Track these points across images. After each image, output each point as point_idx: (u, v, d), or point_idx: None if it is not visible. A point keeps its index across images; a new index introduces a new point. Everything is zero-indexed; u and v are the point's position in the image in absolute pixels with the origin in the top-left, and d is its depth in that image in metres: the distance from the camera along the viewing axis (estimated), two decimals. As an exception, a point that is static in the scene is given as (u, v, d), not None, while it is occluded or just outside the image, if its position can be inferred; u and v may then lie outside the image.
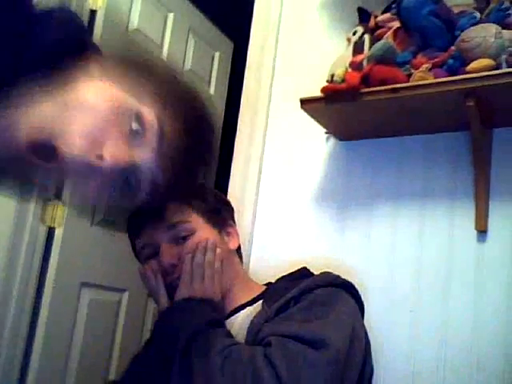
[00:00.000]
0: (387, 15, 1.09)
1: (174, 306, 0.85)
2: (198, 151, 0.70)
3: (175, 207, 0.94)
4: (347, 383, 0.73)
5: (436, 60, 0.97)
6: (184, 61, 2.07)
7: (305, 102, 1.10)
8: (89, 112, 0.57)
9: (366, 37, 1.08)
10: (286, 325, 0.76)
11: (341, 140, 1.25)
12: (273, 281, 0.98)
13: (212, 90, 2.24)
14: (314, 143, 1.28)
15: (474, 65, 0.91)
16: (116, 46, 1.71)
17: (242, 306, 0.91)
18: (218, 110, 2.27)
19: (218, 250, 0.91)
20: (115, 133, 0.58)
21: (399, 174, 1.16)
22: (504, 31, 0.91)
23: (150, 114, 0.60)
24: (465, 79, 0.91)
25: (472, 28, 0.93)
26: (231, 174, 1.42)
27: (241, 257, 1.03)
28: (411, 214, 1.12)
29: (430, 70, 0.96)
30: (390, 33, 1.05)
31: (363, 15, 1.14)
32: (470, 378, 0.98)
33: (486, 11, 0.97)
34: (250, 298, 0.92)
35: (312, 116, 1.15)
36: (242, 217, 1.31)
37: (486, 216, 1.02)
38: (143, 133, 0.60)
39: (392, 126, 1.14)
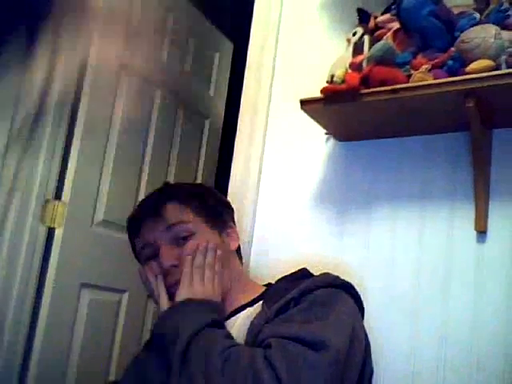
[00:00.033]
0: (387, 16, 1.09)
1: (174, 307, 0.85)
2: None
3: (175, 208, 0.94)
4: (347, 384, 0.74)
5: (436, 61, 0.97)
6: (184, 61, 2.08)
7: (305, 103, 1.10)
8: None
9: (366, 37, 1.08)
10: (286, 326, 0.76)
11: (340, 141, 1.25)
12: (272, 281, 0.98)
13: (212, 91, 2.25)
14: (314, 143, 1.28)
15: (473, 65, 0.91)
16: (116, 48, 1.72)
17: (242, 307, 0.91)
18: (218, 110, 2.28)
19: (219, 252, 0.91)
20: None
21: (399, 174, 1.16)
22: (503, 32, 0.91)
23: None
24: (464, 80, 0.91)
25: (472, 29, 0.93)
26: (231, 174, 1.42)
27: (241, 257, 1.03)
28: (411, 215, 1.12)
29: (429, 70, 0.96)
30: (389, 34, 1.05)
31: (363, 16, 1.14)
32: (469, 378, 0.98)
33: (486, 12, 0.97)
34: (249, 299, 0.92)
35: (312, 117, 1.15)
36: (242, 217, 1.31)
37: (486, 216, 1.02)
38: None
39: (392, 126, 1.14)
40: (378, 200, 1.17)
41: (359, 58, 1.05)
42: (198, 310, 0.83)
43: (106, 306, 1.71)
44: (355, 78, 1.00)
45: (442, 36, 0.98)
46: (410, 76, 0.98)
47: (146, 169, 1.88)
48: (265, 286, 1.00)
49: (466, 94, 0.92)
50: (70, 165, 1.59)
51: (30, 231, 1.50)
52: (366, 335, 0.84)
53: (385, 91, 0.98)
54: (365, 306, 0.91)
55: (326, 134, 1.25)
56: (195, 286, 0.87)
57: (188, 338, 0.77)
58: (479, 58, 0.90)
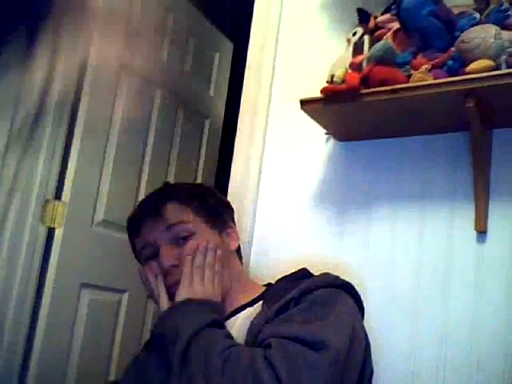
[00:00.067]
0: (387, 16, 1.09)
1: (174, 307, 0.85)
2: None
3: (175, 208, 0.94)
4: (347, 384, 0.74)
5: (436, 61, 0.97)
6: (184, 61, 2.08)
7: (305, 103, 1.10)
8: None
9: (366, 37, 1.08)
10: (286, 326, 0.76)
11: (340, 141, 1.25)
12: (272, 281, 0.98)
13: (212, 91, 2.25)
14: (314, 143, 1.28)
15: (473, 65, 0.91)
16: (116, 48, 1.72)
17: (242, 307, 0.91)
18: (218, 111, 2.28)
19: (219, 252, 0.91)
20: None
21: (399, 174, 1.16)
22: (503, 32, 0.91)
23: None
24: (464, 80, 0.91)
25: (472, 29, 0.93)
26: (231, 174, 1.42)
27: (241, 257, 1.03)
28: (411, 215, 1.12)
29: (429, 70, 0.96)
30: (389, 34, 1.05)
31: (363, 16, 1.14)
32: (469, 378, 0.98)
33: (486, 12, 0.97)
34: (249, 299, 0.92)
35: (312, 117, 1.15)
36: (242, 217, 1.31)
37: (486, 216, 1.02)
38: None
39: (392, 126, 1.14)
40: (378, 200, 1.17)
41: (359, 57, 1.05)
42: (198, 310, 0.83)
43: (105, 306, 1.71)
44: (355, 78, 1.00)
45: (442, 36, 0.98)
46: (409, 76, 0.98)
47: (146, 169, 1.88)
48: (265, 286, 1.00)
49: (466, 94, 0.92)
50: (69, 165, 1.59)
51: (30, 231, 1.50)
52: (366, 335, 0.84)
53: (385, 91, 0.98)
54: (365, 305, 0.91)
55: (326, 134, 1.25)
56: (195, 286, 0.87)
57: (188, 338, 0.77)
58: (479, 58, 0.90)
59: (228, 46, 2.33)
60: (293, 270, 0.98)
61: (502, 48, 0.89)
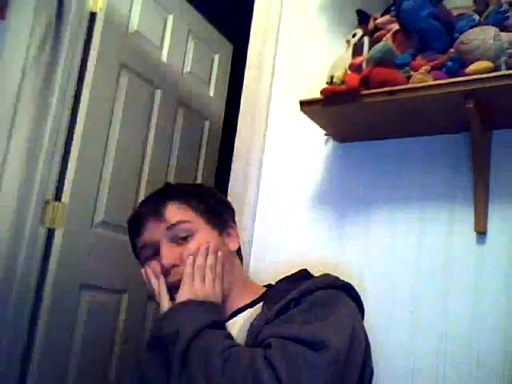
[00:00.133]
0: (386, 17, 1.09)
1: (175, 307, 0.85)
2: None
3: (175, 208, 0.94)
4: (347, 384, 0.74)
5: (435, 62, 0.97)
6: (184, 63, 2.08)
7: (304, 104, 1.10)
8: None
9: (366, 39, 1.09)
10: (286, 327, 0.77)
11: (340, 142, 1.25)
12: (273, 282, 0.98)
13: (212, 91, 2.25)
14: (314, 144, 1.29)
15: (473, 67, 0.91)
16: (116, 48, 1.74)
17: (243, 308, 0.91)
18: (218, 111, 2.28)
19: (219, 253, 0.92)
20: None
21: (398, 175, 1.16)
22: (502, 33, 0.91)
23: None
24: (464, 81, 0.91)
25: (471, 30, 0.93)
26: (231, 174, 1.42)
27: (241, 258, 1.03)
28: (411, 214, 1.12)
29: (429, 71, 0.96)
30: (389, 35, 1.05)
31: (362, 17, 1.15)
32: (469, 375, 0.98)
33: (485, 14, 0.98)
34: (250, 300, 0.93)
35: (311, 118, 1.15)
36: (242, 217, 1.31)
37: (486, 217, 1.03)
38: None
39: (391, 127, 1.14)
40: (378, 201, 1.17)
41: (359, 59, 1.05)
42: (199, 311, 0.83)
43: (105, 307, 1.71)
44: (355, 79, 1.01)
45: (442, 37, 0.99)
46: (409, 77, 0.98)
47: (146, 169, 1.88)
48: (265, 286, 1.00)
49: (466, 95, 0.92)
50: (70, 165, 1.59)
51: (29, 232, 1.50)
52: (366, 336, 0.85)
53: (384, 92, 0.99)
54: (365, 306, 0.91)
55: (326, 135, 1.25)
56: (196, 287, 0.87)
57: (188, 338, 0.77)
58: (478, 60, 0.91)
59: (228, 47, 2.33)
60: (292, 271, 0.98)
61: (501, 49, 0.90)
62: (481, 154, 1.02)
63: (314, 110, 1.11)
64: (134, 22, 1.82)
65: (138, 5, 1.83)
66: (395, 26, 1.05)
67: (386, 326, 1.08)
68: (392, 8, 1.08)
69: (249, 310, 0.90)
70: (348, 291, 0.87)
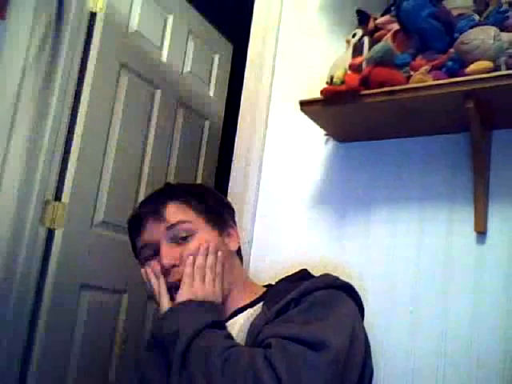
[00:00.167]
0: (386, 17, 1.09)
1: (175, 307, 0.85)
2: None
3: (176, 207, 0.94)
4: (347, 384, 0.74)
5: (435, 62, 0.97)
6: (184, 63, 2.08)
7: (304, 104, 1.10)
8: None
9: (366, 39, 1.09)
10: (286, 327, 0.77)
11: (340, 142, 1.25)
12: (273, 282, 0.98)
13: (212, 92, 2.25)
14: (314, 144, 1.29)
15: (473, 67, 0.91)
16: (116, 48, 1.74)
17: (243, 308, 0.91)
18: (218, 111, 2.28)
19: (219, 253, 0.92)
20: None
21: (398, 175, 1.16)
22: (502, 33, 0.91)
23: None
24: (464, 81, 0.91)
25: (471, 30, 0.93)
26: (231, 174, 1.42)
27: (241, 258, 1.03)
28: (411, 214, 1.12)
29: (429, 71, 0.96)
30: (389, 35, 1.05)
31: (362, 17, 1.15)
32: (469, 375, 0.98)
33: (485, 14, 0.97)
34: (250, 300, 0.93)
35: (311, 118, 1.15)
36: (242, 217, 1.31)
37: (485, 217, 1.03)
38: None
39: (391, 127, 1.14)
40: (378, 201, 1.17)
41: (359, 59, 1.05)
42: (199, 311, 0.84)
43: (105, 307, 1.71)
44: (355, 79, 1.01)
45: (442, 37, 0.99)
46: (409, 77, 0.98)
47: (146, 169, 1.88)
48: (265, 286, 1.00)
49: (466, 95, 0.92)
50: (69, 165, 1.59)
51: (29, 232, 1.50)
52: (366, 336, 0.85)
53: (384, 92, 0.99)
54: (365, 306, 0.91)
55: (326, 135, 1.25)
56: (196, 287, 0.87)
57: (188, 338, 0.78)
58: (478, 60, 0.91)
59: (228, 47, 2.33)
60: (292, 271, 0.98)
61: (501, 49, 0.90)
62: (481, 154, 1.02)
63: (314, 110, 1.11)
64: (134, 22, 1.82)
65: (138, 5, 1.83)
66: (395, 26, 1.05)
67: (385, 326, 1.08)
68: (392, 8, 1.07)
69: (249, 309, 0.90)
70: (348, 291, 0.87)
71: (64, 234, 1.56)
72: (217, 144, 2.28)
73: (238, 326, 0.87)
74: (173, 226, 0.92)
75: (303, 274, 0.95)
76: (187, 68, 2.10)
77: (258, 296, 0.94)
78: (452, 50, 0.96)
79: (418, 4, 0.97)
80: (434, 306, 1.05)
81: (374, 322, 1.01)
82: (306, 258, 1.18)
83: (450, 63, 0.94)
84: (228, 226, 0.99)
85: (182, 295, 0.86)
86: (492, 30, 0.91)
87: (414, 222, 1.11)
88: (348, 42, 1.13)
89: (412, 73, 0.99)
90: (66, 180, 1.59)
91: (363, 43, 1.09)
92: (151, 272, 0.92)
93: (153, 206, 0.95)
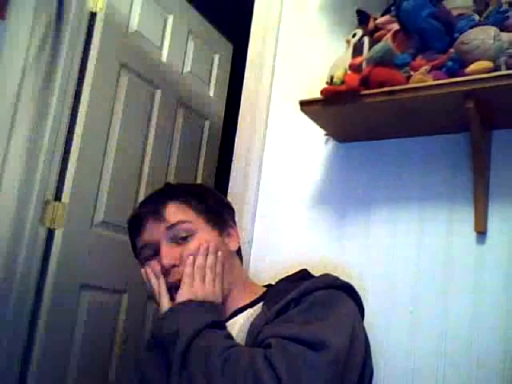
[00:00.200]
0: (386, 17, 1.09)
1: (175, 307, 0.85)
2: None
3: (176, 207, 0.94)
4: (347, 384, 0.74)
5: (435, 62, 0.97)
6: (184, 63, 2.08)
7: (304, 104, 1.10)
8: None
9: (366, 39, 1.09)
10: (286, 327, 0.77)
11: (340, 142, 1.25)
12: (273, 282, 0.98)
13: (212, 92, 2.25)
14: (314, 144, 1.29)
15: (473, 67, 0.91)
16: (116, 48, 1.74)
17: (243, 308, 0.92)
18: (218, 111, 2.28)
19: (219, 253, 0.92)
20: None
21: (398, 175, 1.16)
22: (502, 33, 0.91)
23: None
24: (464, 81, 0.91)
25: (471, 30, 0.93)
26: (231, 174, 1.42)
27: (241, 258, 1.03)
28: (411, 214, 1.12)
29: (429, 71, 0.96)
30: (389, 35, 1.05)
31: (362, 17, 1.15)
32: (469, 375, 0.98)
33: (485, 14, 0.97)
34: (250, 300, 0.93)
35: (311, 118, 1.15)
36: (242, 217, 1.31)
37: (485, 217, 1.03)
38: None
39: (391, 127, 1.14)
40: (378, 201, 1.17)
41: (359, 59, 1.05)
42: (199, 311, 0.84)
43: (105, 307, 1.71)
44: (355, 79, 1.01)
45: (442, 37, 0.99)
46: (409, 77, 0.98)
47: (146, 169, 1.88)
48: (265, 286, 1.00)
49: (466, 95, 0.92)
50: (69, 165, 1.59)
51: (29, 232, 1.50)
52: (366, 336, 0.85)
53: (384, 92, 0.99)
54: (365, 306, 0.91)
55: (326, 135, 1.25)
56: (196, 287, 0.87)
57: (188, 338, 0.78)
58: (478, 60, 0.91)
59: (228, 47, 2.33)
60: (292, 271, 0.98)
61: (501, 49, 0.90)
62: (481, 154, 1.02)
63: (314, 110, 1.11)
64: (134, 22, 1.82)
65: (138, 5, 1.83)
66: (395, 26, 1.05)
67: (386, 326, 1.08)
68: (392, 8, 1.07)
69: (249, 309, 0.90)
70: (348, 291, 0.87)
71: (64, 234, 1.56)
72: (217, 144, 2.28)
73: (238, 326, 0.87)
74: (173, 226, 0.92)
75: (303, 274, 0.95)
76: (187, 68, 2.10)
77: (258, 296, 0.94)
78: (452, 50, 0.96)
79: (417, 4, 0.97)
80: (434, 306, 1.05)
81: (374, 322, 1.01)
82: (305, 258, 1.18)
83: (449, 63, 0.94)
84: (228, 226, 0.99)
85: (182, 295, 0.87)
86: (492, 30, 0.91)
87: (414, 221, 1.11)
88: (348, 41, 1.13)
89: (412, 73, 0.99)
90: (66, 180, 1.59)
91: (363, 43, 1.09)
92: (151, 272, 0.92)
93: (153, 205, 0.95)
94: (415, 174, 1.14)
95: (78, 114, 1.61)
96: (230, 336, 0.82)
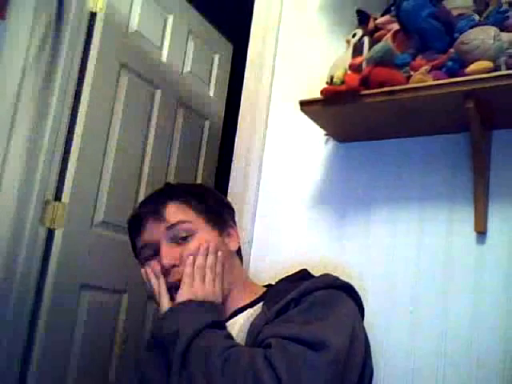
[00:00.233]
0: (386, 17, 1.09)
1: (175, 307, 0.85)
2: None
3: (176, 207, 0.94)
4: (347, 384, 0.74)
5: (435, 62, 0.97)
6: (184, 63, 2.08)
7: (304, 104, 1.10)
8: None
9: (366, 39, 1.09)
10: (286, 327, 0.77)
11: (340, 142, 1.25)
12: (273, 282, 0.98)
13: (212, 92, 2.25)
14: (314, 144, 1.29)
15: (473, 67, 0.91)
16: (116, 48, 1.74)
17: (243, 308, 0.92)
18: (218, 111, 2.28)
19: (219, 253, 0.92)
20: None
21: (398, 175, 1.16)
22: (502, 33, 0.91)
23: None
24: (464, 81, 0.91)
25: (471, 30, 0.93)
26: (231, 174, 1.42)
27: (241, 258, 1.03)
28: (411, 214, 1.12)
29: (429, 71, 0.96)
30: (389, 35, 1.05)
31: (362, 17, 1.15)
32: (469, 375, 0.98)
33: (485, 14, 0.97)
34: (250, 300, 0.93)
35: (311, 118, 1.15)
36: (242, 217, 1.31)
37: (485, 217, 1.03)
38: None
39: (391, 127, 1.14)
40: (378, 201, 1.17)
41: (359, 59, 1.05)
42: (199, 311, 0.84)
43: (105, 307, 1.71)
44: (355, 79, 1.01)
45: (442, 37, 0.99)
46: (409, 77, 0.98)
47: (146, 169, 1.88)
48: (265, 286, 1.00)
49: (466, 95, 0.92)
50: (69, 165, 1.59)
51: (29, 232, 1.50)
52: (366, 336, 0.85)
53: (384, 92, 0.99)
54: (365, 306, 0.91)
55: (326, 135, 1.25)
56: (196, 287, 0.87)
57: (188, 338, 0.78)
58: (478, 60, 0.91)
59: (228, 47, 2.34)
60: (292, 271, 0.98)
61: (501, 49, 0.90)
62: (481, 154, 1.02)
63: (314, 110, 1.11)
64: (134, 22, 1.82)
65: (138, 5, 1.83)
66: (395, 26, 1.05)
67: (385, 326, 1.08)
68: (392, 8, 1.07)
69: (249, 309, 0.90)
70: (348, 291, 0.87)
71: (64, 234, 1.56)
72: (217, 144, 2.28)
73: (238, 326, 0.87)
74: (173, 226, 0.92)
75: (303, 274, 0.95)
76: (187, 68, 2.10)
77: (258, 296, 0.94)
78: (452, 50, 0.96)
79: (417, 4, 0.97)
80: (434, 306, 1.05)
81: (374, 322, 1.01)
82: (305, 258, 1.18)
83: (449, 63, 0.94)
84: (228, 226, 0.99)
85: (182, 295, 0.87)
86: (492, 30, 0.91)
87: (414, 221, 1.11)
88: (348, 41, 1.13)
89: (412, 73, 0.99)
90: (66, 180, 1.59)
91: (363, 43, 1.09)
92: (151, 272, 0.92)
93: (153, 205, 0.96)
94: (415, 174, 1.14)
95: (78, 114, 1.61)
96: (230, 336, 0.82)
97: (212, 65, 2.25)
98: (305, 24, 1.40)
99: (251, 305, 0.91)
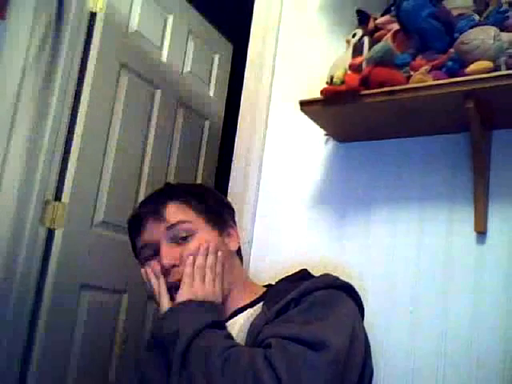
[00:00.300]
0: (386, 17, 1.09)
1: (175, 307, 0.85)
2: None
3: (176, 207, 0.94)
4: (347, 384, 0.74)
5: (435, 62, 0.97)
6: (184, 63, 2.08)
7: (304, 104, 1.10)
8: None
9: (366, 39, 1.09)
10: (286, 327, 0.77)
11: (340, 142, 1.25)
12: (273, 282, 0.98)
13: (212, 92, 2.25)
14: (314, 144, 1.29)
15: (473, 67, 0.91)
16: (116, 48, 1.74)
17: (243, 308, 0.92)
18: (218, 111, 2.28)
19: (219, 253, 0.92)
20: None
21: (398, 175, 1.16)
22: (502, 33, 0.91)
23: None
24: (464, 81, 0.91)
25: (471, 30, 0.93)
26: (231, 174, 1.42)
27: (241, 258, 1.03)
28: (411, 214, 1.12)
29: (429, 71, 0.96)
30: (389, 35, 1.05)
31: (362, 17, 1.15)
32: (469, 375, 0.98)
33: (485, 14, 0.97)
34: (250, 300, 0.93)
35: (311, 118, 1.15)
36: (242, 217, 1.31)
37: (485, 217, 1.03)
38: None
39: (391, 127, 1.14)
40: (378, 201, 1.17)
41: (359, 59, 1.05)
42: (199, 311, 0.84)
43: (105, 307, 1.71)
44: (355, 79, 1.01)
45: (442, 37, 0.99)
46: (409, 77, 0.98)
47: (146, 169, 1.88)
48: (265, 286, 1.00)
49: (466, 95, 0.92)
50: (69, 165, 1.59)
51: (29, 232, 1.50)
52: (366, 336, 0.85)
53: (384, 92, 0.99)
54: (365, 306, 0.91)
55: (326, 135, 1.25)
56: (196, 287, 0.87)
57: (188, 338, 0.78)
58: (478, 60, 0.91)
59: (228, 47, 2.34)
60: (292, 271, 0.98)
61: (501, 49, 0.90)
62: (481, 154, 1.02)
63: (314, 110, 1.11)
64: (134, 22, 1.82)
65: (138, 5, 1.83)
66: (395, 26, 1.05)
67: (385, 326, 1.08)
68: (392, 8, 1.07)
69: (249, 309, 0.90)
70: (348, 291, 0.87)
71: (64, 234, 1.56)
72: (217, 144, 2.28)
73: (238, 326, 0.87)
74: (173, 226, 0.92)
75: (303, 274, 0.95)
76: (187, 68, 2.10)
77: (258, 296, 0.94)
78: (452, 50, 0.96)
79: (417, 4, 0.97)
80: (434, 306, 1.05)
81: (374, 322, 1.01)
82: (305, 258, 1.18)
83: (450, 63, 0.94)
84: (228, 226, 0.99)
85: (182, 295, 0.87)
86: (492, 30, 0.91)
87: (414, 221, 1.11)
88: (348, 41, 1.13)
89: (412, 73, 0.99)
90: (66, 180, 1.59)
91: (363, 43, 1.09)
92: (151, 272, 0.92)
93: (153, 206, 0.96)
94: (415, 174, 1.14)
95: (78, 114, 1.61)
96: (230, 336, 0.82)
97: (212, 65, 2.25)
98: (305, 24, 1.40)
99: (251, 305, 0.91)
